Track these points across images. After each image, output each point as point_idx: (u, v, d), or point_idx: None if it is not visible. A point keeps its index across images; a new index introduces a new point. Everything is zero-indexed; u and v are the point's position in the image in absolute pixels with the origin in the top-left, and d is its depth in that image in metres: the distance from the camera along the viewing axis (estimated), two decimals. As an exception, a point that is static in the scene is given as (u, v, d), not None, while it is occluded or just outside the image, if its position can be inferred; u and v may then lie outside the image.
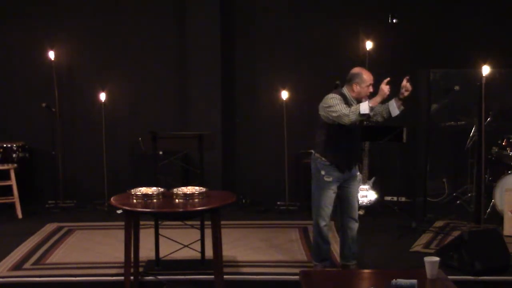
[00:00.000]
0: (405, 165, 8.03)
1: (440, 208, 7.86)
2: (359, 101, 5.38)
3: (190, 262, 5.84)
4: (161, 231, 5.82)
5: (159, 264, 5.79)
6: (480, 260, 5.54)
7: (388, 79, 5.27)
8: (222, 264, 5.42)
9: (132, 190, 5.29)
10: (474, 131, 7.56)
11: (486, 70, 6.77)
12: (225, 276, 5.40)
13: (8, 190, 7.66)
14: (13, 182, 7.63)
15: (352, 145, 5.55)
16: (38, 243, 6.62)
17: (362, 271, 5.08)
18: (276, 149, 8.19)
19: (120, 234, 5.44)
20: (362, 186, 7.54)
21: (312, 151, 5.64)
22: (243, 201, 8.25)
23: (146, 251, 5.90)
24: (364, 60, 7.77)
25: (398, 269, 5.20)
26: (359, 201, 7.19)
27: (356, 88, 5.41)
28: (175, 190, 5.30)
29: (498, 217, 7.06)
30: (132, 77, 8.47)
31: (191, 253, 5.88)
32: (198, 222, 5.91)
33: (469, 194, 7.79)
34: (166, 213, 5.33)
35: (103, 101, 8.16)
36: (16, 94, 8.44)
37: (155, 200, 5.21)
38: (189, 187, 5.40)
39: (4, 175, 7.67)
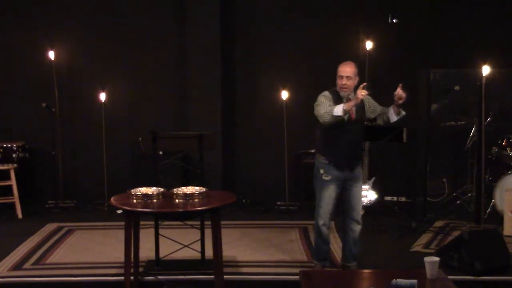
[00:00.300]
0: (405, 165, 8.01)
1: (440, 208, 7.85)
2: (351, 97, 5.37)
3: (190, 262, 5.84)
4: (161, 231, 5.82)
5: (159, 264, 5.79)
6: (480, 260, 5.54)
7: (365, 84, 5.27)
8: (222, 264, 5.42)
9: (132, 190, 5.30)
10: (474, 131, 7.55)
11: (486, 70, 6.76)
12: (225, 276, 5.40)
13: (8, 190, 7.66)
14: (13, 182, 7.63)
15: (351, 144, 5.52)
16: (38, 243, 6.62)
17: (362, 271, 5.08)
18: (276, 149, 8.18)
19: (120, 234, 5.44)
20: (362, 186, 7.53)
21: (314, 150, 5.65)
22: (243, 201, 8.24)
23: (146, 251, 5.90)
24: (364, 60, 7.76)
25: (398, 269, 5.19)
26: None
27: (337, 81, 5.43)
28: (175, 190, 5.30)
29: (498, 217, 7.06)
30: (132, 77, 8.45)
31: (191, 253, 5.88)
32: (198, 222, 5.91)
33: (469, 194, 7.77)
34: (166, 213, 5.33)
35: (103, 101, 8.16)
36: (16, 94, 8.43)
37: (155, 200, 5.21)
38: (189, 187, 5.40)
39: (4, 175, 7.66)
